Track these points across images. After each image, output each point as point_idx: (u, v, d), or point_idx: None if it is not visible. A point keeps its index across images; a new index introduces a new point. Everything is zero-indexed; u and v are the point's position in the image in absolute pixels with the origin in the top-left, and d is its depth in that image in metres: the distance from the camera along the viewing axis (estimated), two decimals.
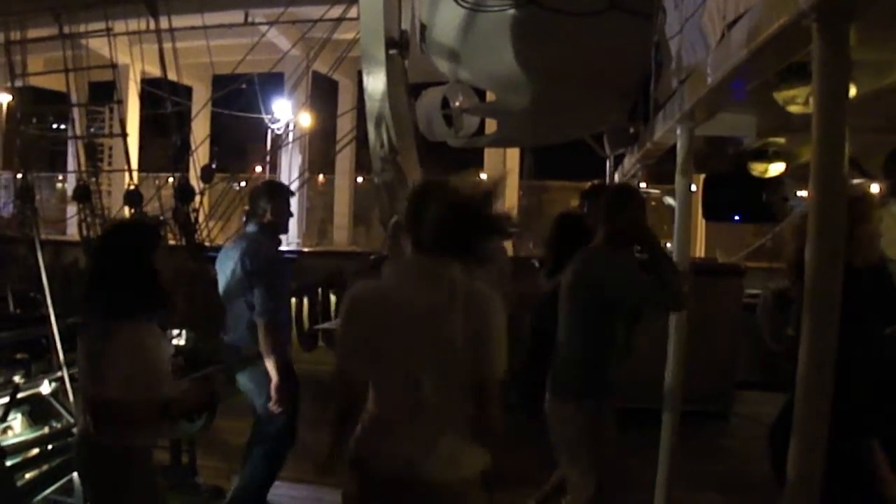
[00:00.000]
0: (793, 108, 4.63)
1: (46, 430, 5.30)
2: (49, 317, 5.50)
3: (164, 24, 11.00)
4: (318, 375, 7.41)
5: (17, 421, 5.27)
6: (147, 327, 3.67)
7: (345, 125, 22.02)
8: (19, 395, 5.18)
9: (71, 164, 19.05)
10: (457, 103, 9.33)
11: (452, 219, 3.12)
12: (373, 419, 3.21)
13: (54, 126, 21.71)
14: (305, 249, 24.80)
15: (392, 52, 7.84)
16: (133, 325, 3.60)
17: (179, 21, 14.57)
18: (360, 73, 27.41)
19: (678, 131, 5.69)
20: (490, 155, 23.93)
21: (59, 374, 5.44)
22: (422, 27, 8.57)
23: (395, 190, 8.52)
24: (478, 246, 3.16)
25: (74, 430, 4.32)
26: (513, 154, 25.37)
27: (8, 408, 4.77)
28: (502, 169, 23.15)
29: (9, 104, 19.84)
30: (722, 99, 4.78)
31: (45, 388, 5.31)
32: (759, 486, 4.44)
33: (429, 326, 3.07)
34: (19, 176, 11.24)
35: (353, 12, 14.74)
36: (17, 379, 5.26)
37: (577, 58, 8.02)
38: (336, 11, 14.87)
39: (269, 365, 5.40)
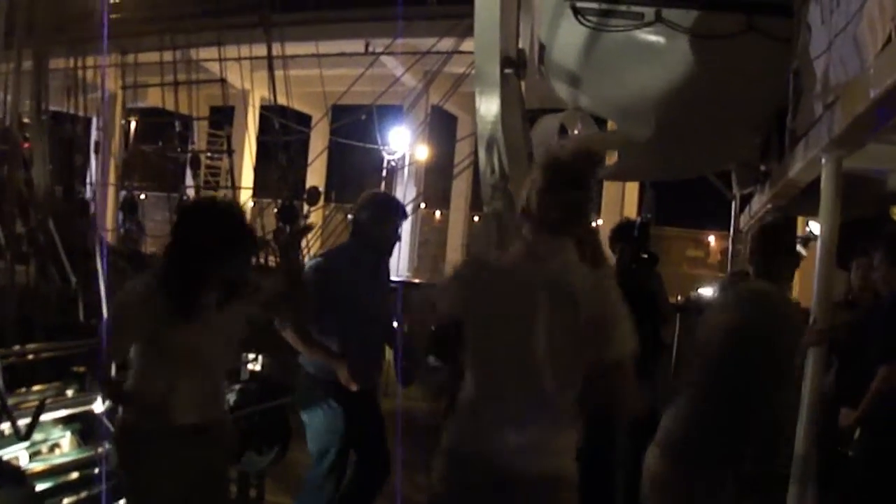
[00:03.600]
0: None
1: (100, 450, 4.87)
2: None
3: (279, 50, 10.89)
4: (412, 412, 6.94)
5: (65, 439, 4.89)
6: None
7: (462, 159, 21.72)
8: (70, 412, 4.80)
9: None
10: (575, 131, 8.75)
11: (574, 195, 3.08)
12: (470, 403, 3.10)
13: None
14: (414, 280, 24.42)
15: (508, 71, 7.32)
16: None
17: (299, 49, 14.53)
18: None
19: (823, 161, 5.00)
20: (608, 189, 23.10)
21: None
22: (541, 47, 8.04)
23: (504, 220, 8.00)
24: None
25: None
26: (632, 191, 24.34)
27: (32, 424, 4.34)
28: (619, 205, 22.41)
29: (135, 128, 20.22)
30: (885, 117, 4.09)
31: (98, 405, 4.88)
32: None
33: (544, 310, 2.97)
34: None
35: (466, 45, 14.53)
36: (69, 393, 4.90)
37: (707, 85, 7.38)
38: (450, 43, 14.63)
39: (318, 357, 4.86)
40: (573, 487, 3.01)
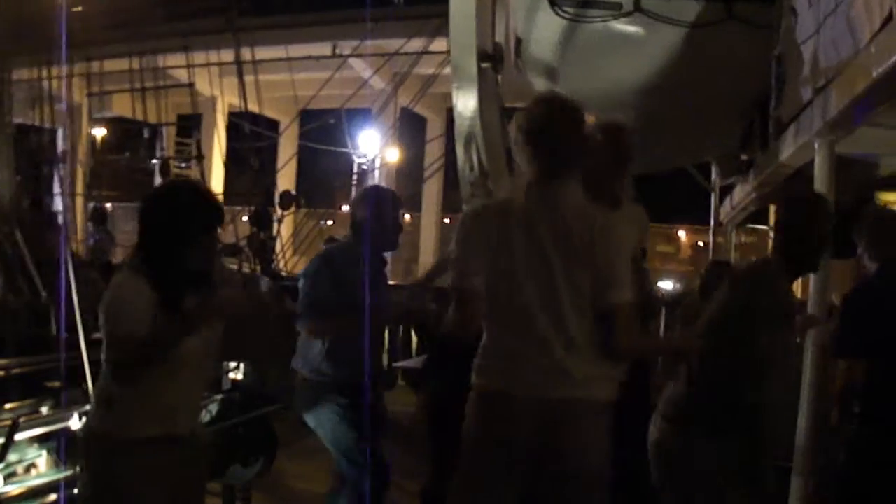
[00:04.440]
0: None
1: (78, 470, 4.63)
2: (80, 341, 4.83)
3: (248, 56, 10.67)
4: (398, 417, 6.76)
5: (42, 459, 4.65)
6: None
7: (432, 161, 21.59)
8: (46, 430, 4.57)
9: None
10: None
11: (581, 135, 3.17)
12: (493, 346, 3.13)
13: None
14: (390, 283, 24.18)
15: (485, 65, 7.17)
16: None
17: (265, 53, 14.32)
18: (448, 111, 27.15)
19: (816, 146, 4.89)
20: None
21: (88, 406, 4.76)
22: (517, 41, 7.90)
23: None
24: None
25: None
26: None
27: (6, 445, 4.09)
28: None
29: (103, 137, 19.90)
30: (883, 96, 3.97)
31: (76, 422, 4.65)
32: None
33: (557, 247, 3.03)
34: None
35: (435, 45, 14.37)
36: (44, 410, 4.67)
37: (687, 75, 7.28)
38: (419, 44, 14.47)
39: (343, 328, 4.63)
40: (605, 412, 3.08)
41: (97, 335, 5.17)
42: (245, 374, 6.08)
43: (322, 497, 6.02)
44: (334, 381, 4.64)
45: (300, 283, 4.79)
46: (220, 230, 3.33)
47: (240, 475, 5.21)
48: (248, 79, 10.84)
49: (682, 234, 33.25)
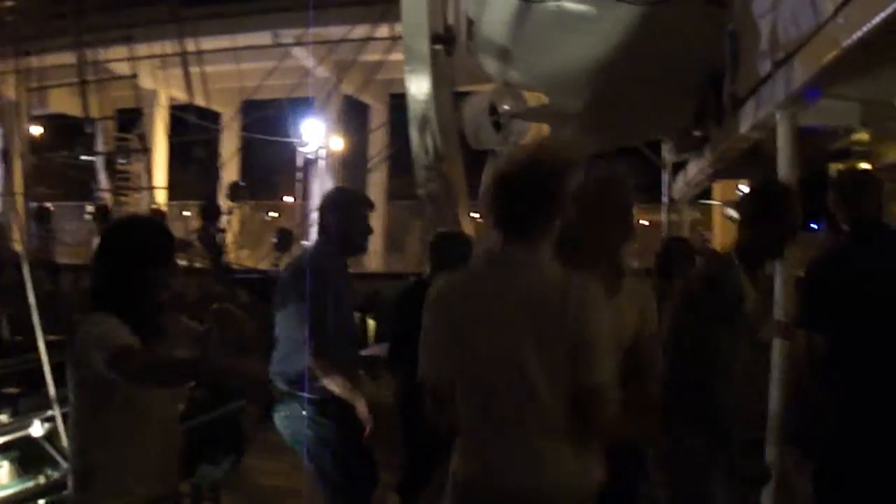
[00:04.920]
0: None
1: (42, 480, 4.45)
2: (39, 345, 4.65)
3: (191, 47, 10.45)
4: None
5: (2, 470, 4.46)
6: None
7: (376, 150, 21.43)
8: (5, 439, 4.38)
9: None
10: (505, 107, 8.54)
11: (547, 193, 2.73)
12: (467, 432, 2.81)
13: (82, 157, 21.50)
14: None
15: (437, 47, 7.08)
16: None
17: (205, 44, 14.06)
18: (390, 97, 26.94)
19: (778, 118, 4.89)
20: None
21: (50, 412, 4.57)
22: (469, 22, 7.80)
23: (440, 202, 7.78)
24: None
25: None
26: None
27: None
28: None
29: (40, 135, 19.41)
30: (851, 67, 3.98)
31: (37, 429, 4.46)
32: None
33: (526, 320, 2.68)
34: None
35: (380, 32, 14.23)
36: (2, 419, 4.48)
37: (639, 53, 7.26)
38: (363, 31, 14.34)
39: (333, 387, 4.48)
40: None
41: (53, 337, 5.02)
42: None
43: (289, 492, 5.94)
44: (319, 399, 4.48)
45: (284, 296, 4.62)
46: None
47: (209, 474, 5.08)
48: (192, 70, 10.64)
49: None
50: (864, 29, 3.46)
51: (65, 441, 4.30)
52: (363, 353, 10.53)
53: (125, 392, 2.84)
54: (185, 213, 17.26)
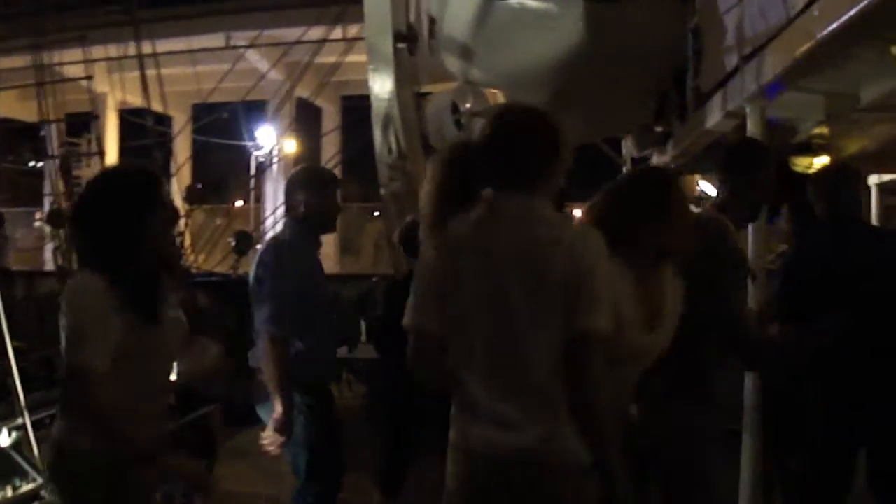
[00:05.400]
0: None
1: (9, 491, 4.30)
2: (7, 352, 4.50)
3: (145, 49, 10.28)
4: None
5: None
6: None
7: (329, 152, 21.30)
8: None
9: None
10: (467, 105, 8.51)
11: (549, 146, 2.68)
12: (459, 395, 2.69)
13: (31, 164, 21.12)
14: None
15: (400, 46, 7.03)
16: None
17: (159, 47, 13.87)
18: (342, 99, 26.75)
19: (748, 111, 4.92)
20: None
21: (19, 420, 4.41)
22: (431, 21, 7.76)
23: (403, 201, 7.72)
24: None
25: (44, 492, 3.34)
26: None
27: None
28: None
29: None
30: (825, 59, 4.00)
31: (4, 439, 4.31)
32: None
33: (516, 270, 2.56)
34: None
35: (334, 34, 14.15)
36: None
37: (601, 50, 7.26)
38: (316, 33, 14.25)
39: (271, 389, 4.32)
40: (585, 475, 2.54)
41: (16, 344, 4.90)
42: (178, 375, 5.81)
43: (258, 498, 5.86)
44: (298, 382, 4.37)
45: (260, 276, 4.49)
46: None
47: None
48: (140, 74, 10.50)
49: (577, 212, 33.52)
50: (840, 20, 3.47)
51: (36, 450, 4.18)
52: None
53: (129, 353, 2.77)
54: None
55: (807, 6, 3.92)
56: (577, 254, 2.54)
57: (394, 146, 7.37)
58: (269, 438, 4.31)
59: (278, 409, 4.28)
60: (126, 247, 2.81)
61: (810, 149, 7.25)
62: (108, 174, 3.21)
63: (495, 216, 2.67)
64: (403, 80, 7.22)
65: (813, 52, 3.86)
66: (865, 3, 3.25)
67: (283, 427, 4.28)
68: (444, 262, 2.70)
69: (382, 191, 7.90)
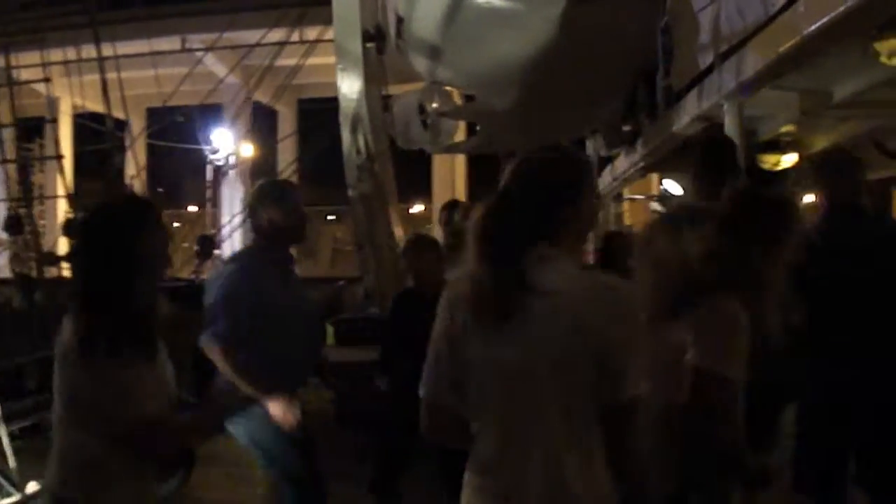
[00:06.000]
0: None
1: None
2: None
3: (99, 52, 10.06)
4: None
5: None
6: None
7: (285, 156, 21.15)
8: None
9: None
10: (433, 105, 8.46)
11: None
12: (475, 463, 2.34)
13: None
14: None
15: (369, 45, 6.97)
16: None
17: (115, 49, 13.65)
18: (299, 102, 26.50)
19: (725, 108, 4.92)
20: (439, 167, 22.93)
21: None
22: (398, 20, 7.70)
23: (372, 203, 7.65)
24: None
25: None
26: (460, 166, 24.00)
27: None
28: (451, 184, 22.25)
29: None
30: (806, 57, 4.01)
31: None
32: None
33: (542, 327, 2.18)
34: None
35: (293, 37, 14.02)
36: None
37: (570, 49, 7.26)
38: (274, 36, 14.12)
39: (247, 392, 4.09)
40: None
41: None
42: None
43: None
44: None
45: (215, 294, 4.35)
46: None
47: (158, 492, 4.85)
48: (94, 78, 10.31)
49: None
50: (827, 17, 3.48)
51: (11, 462, 4.02)
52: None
53: None
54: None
55: (790, 3, 3.93)
56: (598, 309, 2.21)
57: (362, 147, 7.28)
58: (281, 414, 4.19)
59: (268, 404, 4.12)
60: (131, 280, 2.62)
61: (778, 146, 7.31)
62: (104, 209, 2.91)
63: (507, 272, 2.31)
64: (372, 79, 7.14)
65: (798, 47, 3.86)
66: (846, 4, 3.26)
67: (282, 409, 4.17)
68: (459, 318, 2.36)
69: (350, 192, 7.81)
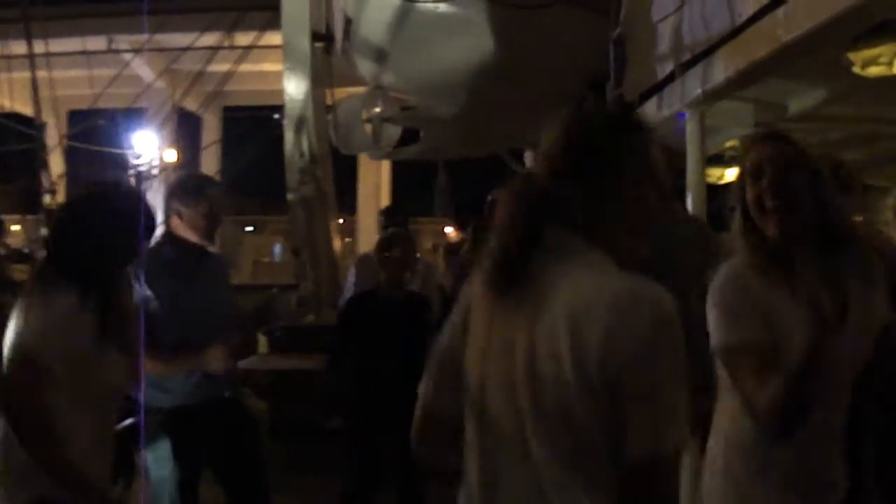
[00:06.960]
0: (872, 70, 3.89)
1: None
2: None
3: (20, 50, 9.73)
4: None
5: None
6: None
7: (208, 164, 20.80)
8: None
9: None
10: (376, 110, 8.32)
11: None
12: (471, 485, 1.92)
13: None
14: None
15: (318, 45, 6.82)
16: None
17: (37, 48, 13.19)
18: (224, 110, 26.11)
19: (687, 117, 4.88)
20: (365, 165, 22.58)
21: None
22: (347, 21, 7.54)
23: (313, 207, 7.47)
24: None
25: None
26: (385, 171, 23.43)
27: None
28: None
29: None
30: (784, 63, 3.98)
31: None
32: None
33: (541, 347, 1.72)
34: None
35: (217, 42, 13.76)
36: None
37: (515, 58, 7.22)
38: (206, 41, 13.84)
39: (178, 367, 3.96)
40: None
41: None
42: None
43: None
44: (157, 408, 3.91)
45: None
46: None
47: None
48: (23, 75, 9.98)
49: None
50: (807, 27, 3.46)
51: None
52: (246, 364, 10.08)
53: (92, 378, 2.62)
54: (13, 228, 16.17)
55: (763, 12, 3.91)
56: (615, 331, 1.65)
57: (306, 150, 7.11)
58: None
59: (208, 357, 3.93)
60: (112, 260, 2.77)
61: (722, 160, 7.35)
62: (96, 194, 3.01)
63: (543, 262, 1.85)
64: (320, 81, 6.99)
65: (772, 56, 3.84)
66: (828, 13, 3.24)
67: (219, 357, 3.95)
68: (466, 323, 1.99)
69: (290, 196, 7.62)
